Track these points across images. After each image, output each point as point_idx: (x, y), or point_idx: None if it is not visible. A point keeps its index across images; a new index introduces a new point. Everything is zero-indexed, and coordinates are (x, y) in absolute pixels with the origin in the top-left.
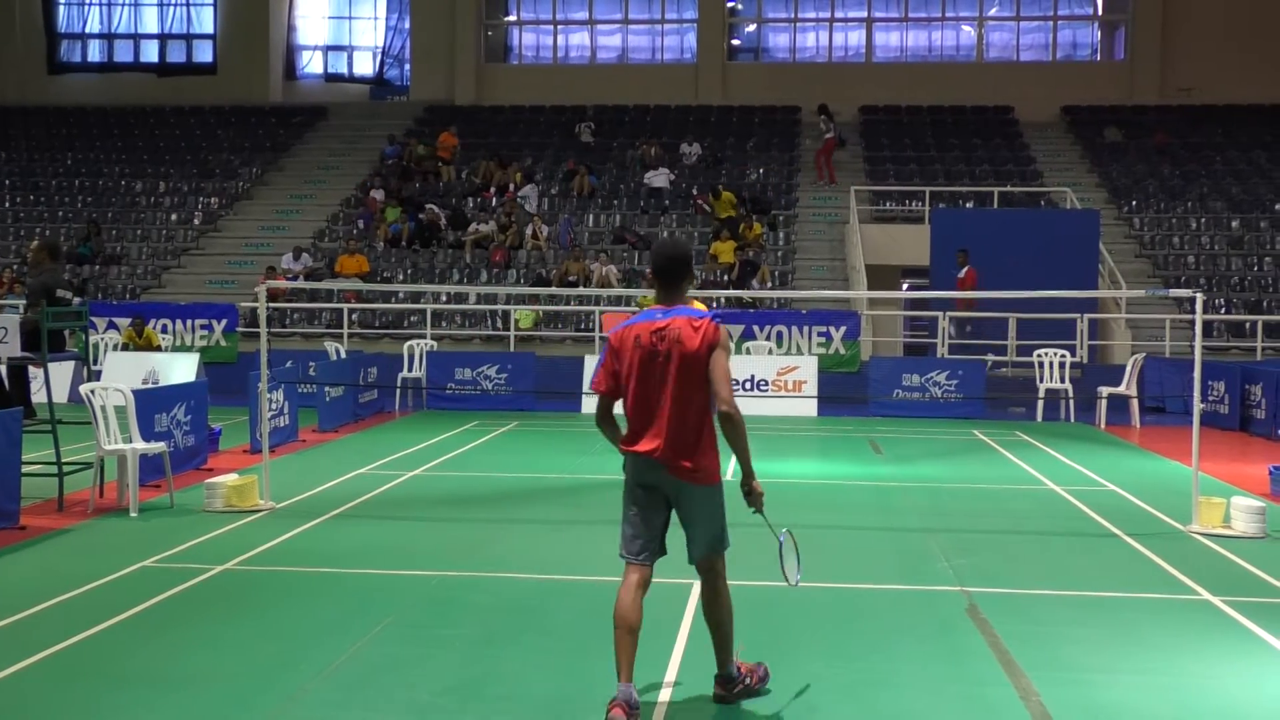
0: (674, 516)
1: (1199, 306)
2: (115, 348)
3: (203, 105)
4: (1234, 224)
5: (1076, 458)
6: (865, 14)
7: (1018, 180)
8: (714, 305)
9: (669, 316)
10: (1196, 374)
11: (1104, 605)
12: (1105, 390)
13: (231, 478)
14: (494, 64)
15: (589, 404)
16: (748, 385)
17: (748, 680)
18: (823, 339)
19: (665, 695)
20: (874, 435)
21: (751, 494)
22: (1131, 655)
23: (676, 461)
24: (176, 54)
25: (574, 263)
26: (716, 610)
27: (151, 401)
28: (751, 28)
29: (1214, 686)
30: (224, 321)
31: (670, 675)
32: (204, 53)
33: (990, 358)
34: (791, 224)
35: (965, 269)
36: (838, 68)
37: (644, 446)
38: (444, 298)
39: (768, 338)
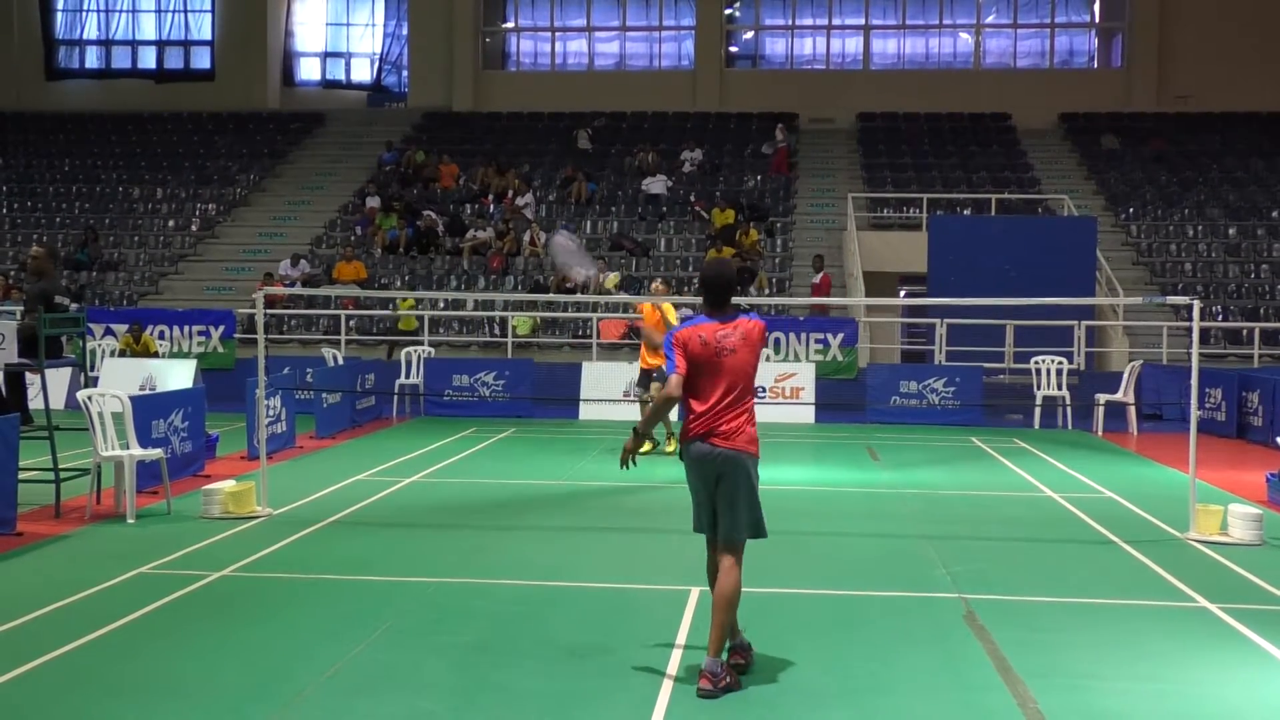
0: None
1: (1196, 314)
2: (112, 354)
3: (200, 112)
4: (1231, 231)
5: (1074, 465)
6: (863, 21)
7: (1015, 187)
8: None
9: (731, 320)
10: (1194, 381)
11: (1101, 612)
12: (1103, 397)
13: (229, 484)
14: (492, 71)
15: (586, 411)
16: None
17: (728, 679)
18: (820, 346)
19: (663, 701)
20: (871, 442)
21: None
22: (1129, 662)
23: (733, 443)
24: (174, 60)
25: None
26: (733, 594)
27: (149, 408)
28: (749, 35)
29: (1211, 693)
30: (221, 328)
31: (668, 681)
32: (202, 59)
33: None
34: (789, 231)
35: (820, 274)
36: (835, 75)
37: (709, 431)
38: (441, 304)
39: (765, 344)
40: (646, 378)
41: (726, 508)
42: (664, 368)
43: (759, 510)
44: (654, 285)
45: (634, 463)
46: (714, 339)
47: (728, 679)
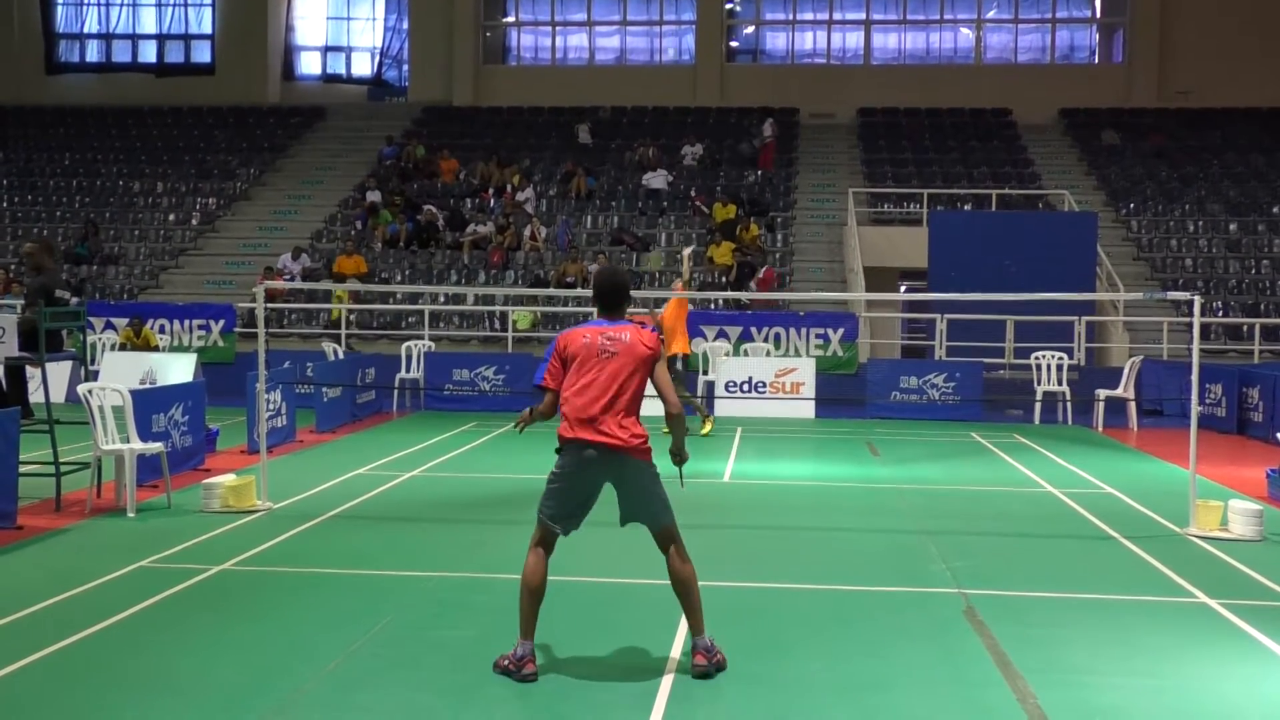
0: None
1: (1196, 309)
2: (113, 348)
3: (201, 106)
4: (1231, 227)
5: (1074, 460)
6: (863, 16)
7: (1015, 183)
8: (712, 306)
9: (619, 325)
10: (1194, 377)
11: (1101, 608)
12: (1103, 393)
13: (229, 478)
14: (492, 65)
15: None
16: (745, 387)
17: (719, 656)
18: (820, 341)
19: (663, 695)
20: (871, 437)
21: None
22: (1128, 658)
23: (617, 441)
24: (175, 54)
25: (572, 264)
26: (688, 576)
27: (149, 402)
28: (750, 29)
29: (1211, 689)
30: (221, 322)
31: (668, 675)
32: (202, 53)
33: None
34: (789, 226)
35: (764, 269)
36: (835, 70)
37: (591, 432)
38: (442, 299)
39: (765, 339)
40: (672, 362)
41: (637, 507)
42: (676, 355)
43: (664, 495)
44: (676, 284)
45: (520, 430)
46: (596, 340)
47: (720, 655)
